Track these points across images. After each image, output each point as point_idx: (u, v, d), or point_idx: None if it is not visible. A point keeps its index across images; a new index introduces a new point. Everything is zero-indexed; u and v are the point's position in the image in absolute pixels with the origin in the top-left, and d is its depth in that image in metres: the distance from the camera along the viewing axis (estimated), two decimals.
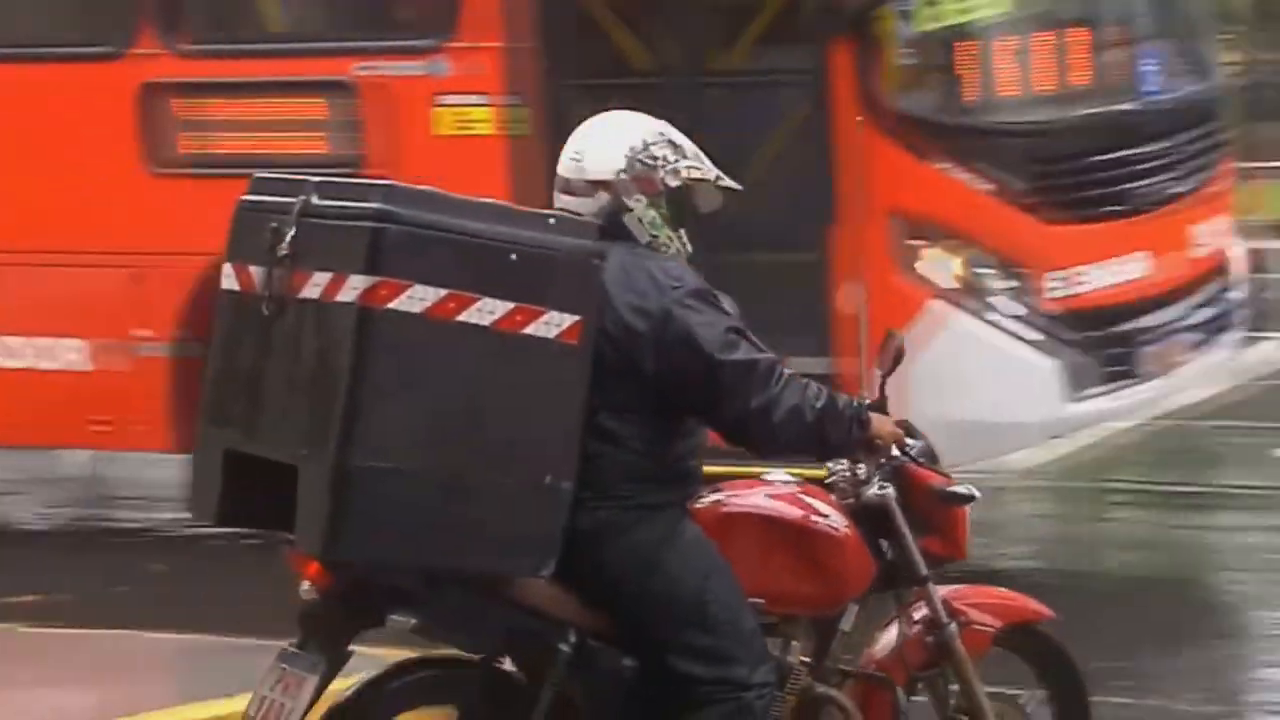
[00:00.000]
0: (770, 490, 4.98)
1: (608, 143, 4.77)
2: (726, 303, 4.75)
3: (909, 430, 5.09)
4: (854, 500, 5.00)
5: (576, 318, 4.43)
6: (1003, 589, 5.42)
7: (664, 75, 9.04)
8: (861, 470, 5.02)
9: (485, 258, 4.37)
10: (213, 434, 4.67)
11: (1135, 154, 8.98)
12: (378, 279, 4.27)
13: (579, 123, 4.66)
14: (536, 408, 4.44)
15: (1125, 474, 10.56)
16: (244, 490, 4.56)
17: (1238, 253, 9.66)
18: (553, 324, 4.41)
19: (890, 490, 4.98)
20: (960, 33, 8.60)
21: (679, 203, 4.79)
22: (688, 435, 4.79)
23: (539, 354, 4.40)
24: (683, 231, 4.82)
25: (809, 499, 4.96)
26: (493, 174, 8.51)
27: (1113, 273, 8.86)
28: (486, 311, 4.35)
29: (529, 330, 4.39)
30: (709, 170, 4.83)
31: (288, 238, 4.41)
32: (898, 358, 5.12)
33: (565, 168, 4.80)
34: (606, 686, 4.71)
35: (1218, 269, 9.46)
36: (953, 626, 5.09)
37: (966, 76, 8.72)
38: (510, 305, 4.37)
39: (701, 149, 4.80)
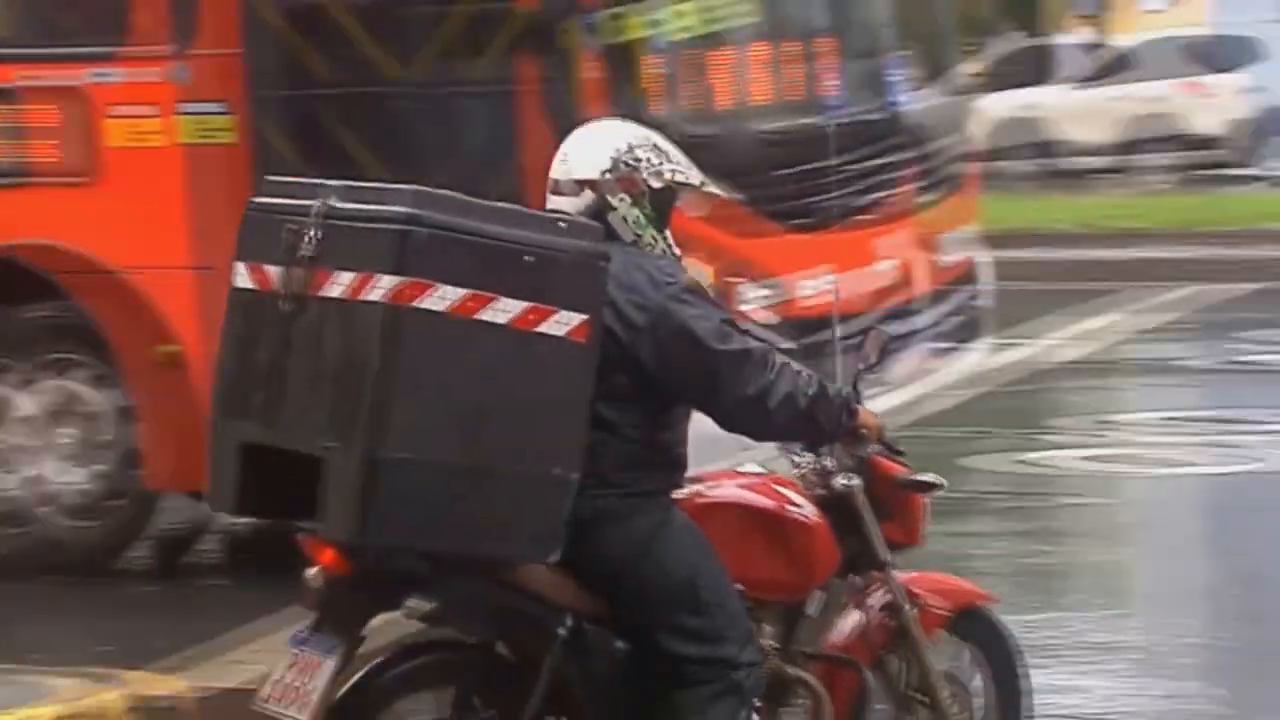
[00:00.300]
0: (745, 481, 5.27)
1: (595, 145, 4.99)
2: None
3: None
4: (824, 491, 5.27)
5: (585, 317, 4.62)
6: (947, 575, 5.75)
7: (365, 84, 8.77)
8: (829, 462, 5.28)
9: (503, 259, 4.55)
10: (229, 427, 4.79)
11: (832, 166, 9.02)
12: (406, 279, 4.44)
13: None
14: (547, 402, 4.62)
15: None
16: (260, 481, 4.71)
17: (949, 263, 9.75)
18: (563, 323, 4.60)
19: (857, 481, 5.25)
20: (648, 47, 8.52)
21: (662, 204, 4.97)
22: (678, 423, 4.98)
23: (550, 351, 4.59)
24: (668, 233, 4.99)
25: (782, 489, 5.25)
26: (173, 182, 8.34)
27: (813, 284, 8.84)
28: (503, 310, 4.54)
29: (542, 328, 4.58)
30: (694, 176, 5.02)
31: (310, 239, 4.55)
32: (883, 352, 5.43)
33: (555, 169, 5.00)
34: (601, 668, 4.91)
35: (932, 279, 9.56)
36: (912, 610, 5.38)
37: (655, 90, 8.63)
38: (525, 305, 4.55)
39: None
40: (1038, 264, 17.54)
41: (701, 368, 4.83)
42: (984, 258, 10.23)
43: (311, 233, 4.56)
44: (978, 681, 5.64)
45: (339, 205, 4.59)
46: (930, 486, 5.40)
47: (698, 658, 4.88)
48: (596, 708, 4.95)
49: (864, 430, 5.12)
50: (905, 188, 9.43)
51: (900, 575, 5.40)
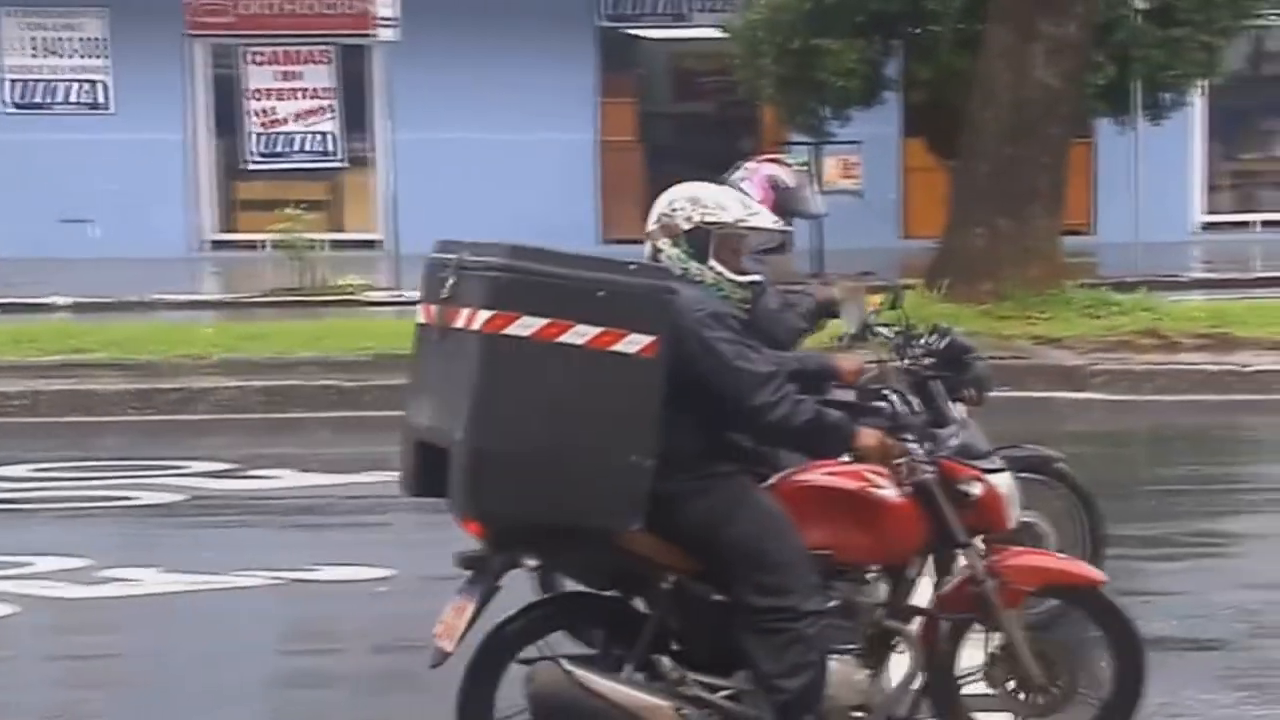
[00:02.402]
0: (836, 468, 6.34)
1: (656, 207, 6.36)
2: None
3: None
4: (913, 481, 6.32)
5: (652, 337, 5.84)
6: (1053, 554, 7.17)
7: None
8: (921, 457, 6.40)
9: (577, 295, 5.81)
10: (408, 429, 6.15)
11: None
12: (493, 312, 5.74)
13: None
14: (624, 404, 5.84)
15: None
16: (433, 469, 5.93)
17: None
18: (633, 343, 5.82)
19: (930, 475, 6.34)
20: None
21: (697, 241, 6.27)
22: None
23: (624, 364, 5.82)
24: (714, 263, 6.25)
25: (869, 474, 6.30)
26: None
27: None
28: (580, 334, 5.78)
29: (615, 347, 5.81)
30: (728, 215, 6.30)
31: (448, 285, 5.91)
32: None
33: None
34: (700, 615, 6.12)
35: None
36: (990, 583, 6.40)
37: None
38: (599, 329, 5.80)
39: None
40: None
41: (718, 378, 6.02)
42: None
43: (449, 280, 5.91)
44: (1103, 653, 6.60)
45: (468, 258, 5.91)
46: (966, 496, 6.35)
47: (767, 607, 6.04)
48: (696, 647, 6.18)
49: (864, 455, 6.24)
50: None
51: (1002, 552, 6.45)
